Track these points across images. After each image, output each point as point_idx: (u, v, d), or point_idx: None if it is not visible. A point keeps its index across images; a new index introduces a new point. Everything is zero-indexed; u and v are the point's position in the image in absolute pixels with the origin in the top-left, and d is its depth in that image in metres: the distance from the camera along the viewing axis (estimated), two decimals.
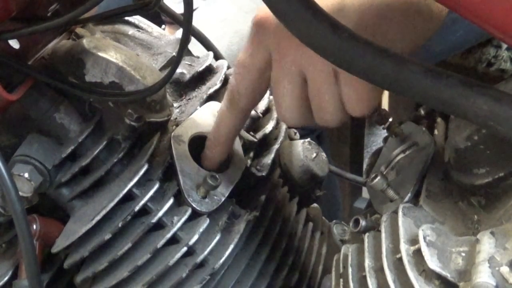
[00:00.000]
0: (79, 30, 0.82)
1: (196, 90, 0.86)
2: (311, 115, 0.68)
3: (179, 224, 0.71)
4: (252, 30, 0.68)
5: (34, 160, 0.71)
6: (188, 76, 0.86)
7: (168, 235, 0.70)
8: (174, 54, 0.87)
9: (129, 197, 0.72)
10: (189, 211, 0.71)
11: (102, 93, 0.73)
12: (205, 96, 0.83)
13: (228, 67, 0.87)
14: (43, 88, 0.73)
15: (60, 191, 0.74)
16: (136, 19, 0.91)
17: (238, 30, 1.28)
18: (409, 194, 0.64)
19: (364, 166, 1.79)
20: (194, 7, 0.73)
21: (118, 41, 0.86)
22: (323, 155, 0.92)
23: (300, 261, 0.83)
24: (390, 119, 0.73)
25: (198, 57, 0.91)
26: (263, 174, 0.80)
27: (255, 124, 0.84)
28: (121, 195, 0.70)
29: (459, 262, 0.54)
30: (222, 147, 0.74)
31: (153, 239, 0.71)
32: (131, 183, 0.71)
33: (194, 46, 0.94)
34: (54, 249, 0.72)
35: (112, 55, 0.74)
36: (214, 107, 0.81)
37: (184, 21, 0.65)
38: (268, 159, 0.82)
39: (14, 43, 0.70)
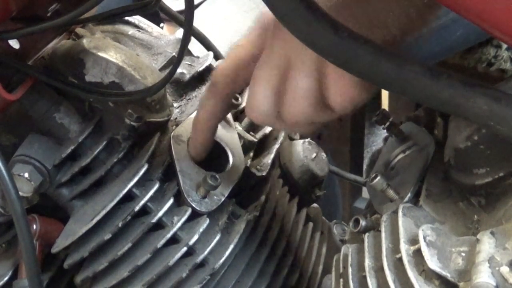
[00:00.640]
0: (79, 30, 0.82)
1: (196, 90, 0.86)
2: (277, 111, 0.65)
3: (179, 224, 0.71)
4: (255, 23, 0.68)
5: (34, 160, 0.72)
6: (188, 76, 0.86)
7: (168, 235, 0.70)
8: (174, 54, 0.87)
9: (129, 197, 0.72)
10: (189, 211, 0.71)
11: (102, 93, 0.73)
12: None
13: None
14: (43, 88, 0.73)
15: (60, 191, 0.75)
16: (136, 19, 0.91)
17: (238, 29, 1.28)
18: (409, 194, 0.64)
19: (364, 166, 1.79)
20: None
21: (118, 41, 0.86)
22: (323, 155, 0.92)
23: (300, 261, 0.83)
24: (390, 119, 0.73)
25: (198, 57, 0.91)
26: (263, 174, 0.80)
27: (255, 124, 0.84)
28: (121, 195, 0.70)
29: (459, 262, 0.54)
30: (202, 134, 0.74)
31: (153, 239, 0.71)
32: (131, 183, 0.71)
33: (194, 46, 0.94)
34: (54, 249, 0.72)
35: (112, 55, 0.74)
36: None
37: (185, 21, 0.65)
38: (268, 159, 0.82)
39: (14, 43, 0.70)
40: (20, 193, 0.66)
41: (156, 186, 0.72)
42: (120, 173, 0.74)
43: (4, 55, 0.68)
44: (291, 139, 0.92)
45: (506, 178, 0.57)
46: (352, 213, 1.78)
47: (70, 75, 0.74)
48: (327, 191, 1.02)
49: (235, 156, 0.77)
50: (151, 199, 0.72)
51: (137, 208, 0.71)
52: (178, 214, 0.72)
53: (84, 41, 0.74)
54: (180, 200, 0.73)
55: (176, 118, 0.81)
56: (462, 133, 0.60)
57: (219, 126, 0.76)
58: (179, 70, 0.85)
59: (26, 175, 0.70)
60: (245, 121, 0.84)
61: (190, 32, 0.68)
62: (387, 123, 0.73)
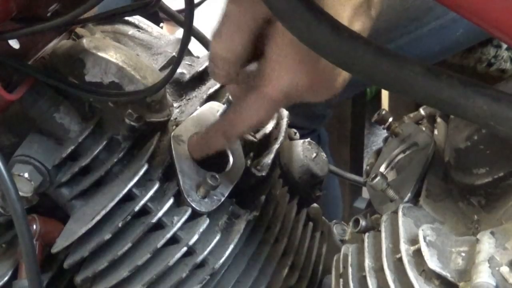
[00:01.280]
0: (79, 30, 0.82)
1: (196, 90, 0.86)
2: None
3: (179, 224, 0.71)
4: None
5: (34, 160, 0.71)
6: (188, 76, 0.86)
7: (168, 235, 0.70)
8: (174, 54, 0.87)
9: (129, 197, 0.72)
10: (189, 211, 0.71)
11: (102, 93, 0.73)
12: (205, 96, 0.83)
13: None
14: (43, 88, 0.73)
15: (60, 191, 0.74)
16: (136, 19, 0.91)
17: None
18: (409, 194, 0.64)
19: (364, 166, 1.79)
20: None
21: (118, 41, 0.86)
22: (323, 155, 0.92)
23: (300, 261, 0.83)
24: (390, 119, 0.73)
25: (198, 57, 0.91)
26: (263, 174, 0.80)
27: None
28: (121, 195, 0.70)
29: (459, 262, 0.54)
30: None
31: (153, 239, 0.71)
32: (131, 183, 0.71)
33: (194, 46, 0.94)
34: (54, 249, 0.72)
35: (112, 55, 0.74)
36: (214, 107, 0.81)
37: (185, 21, 0.65)
38: (268, 159, 0.82)
39: (14, 43, 0.70)
40: (20, 193, 0.66)
41: (156, 186, 0.72)
42: (120, 173, 0.74)
43: (4, 55, 0.68)
44: (291, 139, 0.92)
45: (506, 178, 0.57)
46: (352, 213, 1.78)
47: (70, 75, 0.74)
48: (327, 191, 1.02)
49: (235, 156, 0.77)
50: (151, 199, 0.72)
51: (137, 208, 0.71)
52: (178, 214, 0.72)
53: (84, 41, 0.74)
54: (180, 200, 0.73)
55: (176, 118, 0.81)
56: (462, 133, 0.60)
57: None
58: (179, 70, 0.85)
59: (26, 175, 0.70)
60: None
61: (190, 32, 0.68)
62: (387, 123, 0.73)
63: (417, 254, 0.56)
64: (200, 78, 0.86)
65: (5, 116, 0.74)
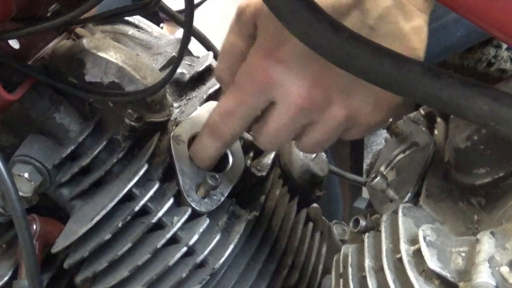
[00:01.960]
0: (79, 30, 0.82)
1: (196, 90, 0.86)
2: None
3: (179, 224, 0.71)
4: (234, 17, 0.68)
5: (34, 160, 0.71)
6: (188, 76, 0.86)
7: (168, 235, 0.70)
8: (174, 54, 0.87)
9: (129, 197, 0.72)
10: (189, 211, 0.71)
11: (102, 93, 0.73)
12: (205, 96, 0.83)
13: None
14: (43, 88, 0.73)
15: (60, 191, 0.74)
16: (136, 19, 0.91)
17: None
18: (409, 194, 0.64)
19: (364, 166, 1.79)
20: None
21: (118, 41, 0.86)
22: (323, 155, 0.92)
23: (300, 261, 0.83)
24: (390, 119, 0.73)
25: (198, 57, 0.91)
26: (263, 174, 0.80)
27: None
28: (121, 195, 0.70)
29: (459, 262, 0.54)
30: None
31: (153, 239, 0.71)
32: (131, 183, 0.71)
33: (194, 46, 0.94)
34: (54, 249, 0.72)
35: (112, 55, 0.74)
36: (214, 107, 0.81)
37: (185, 21, 0.65)
38: (268, 159, 0.82)
39: (14, 43, 0.70)
40: (20, 193, 0.66)
41: (156, 186, 0.72)
42: (120, 173, 0.74)
43: (4, 55, 0.68)
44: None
45: (506, 178, 0.57)
46: (352, 213, 1.78)
47: (70, 75, 0.74)
48: (327, 191, 1.02)
49: (235, 156, 0.77)
50: (151, 199, 0.72)
51: (137, 208, 0.71)
52: (178, 214, 0.72)
53: (84, 41, 0.74)
54: (180, 200, 0.73)
55: (176, 118, 0.81)
56: (462, 133, 0.60)
57: None
58: (179, 70, 0.85)
59: (26, 175, 0.70)
60: None
61: (190, 32, 0.68)
62: (387, 123, 0.73)
63: (417, 254, 0.56)
64: (200, 78, 0.86)
65: (5, 116, 0.74)
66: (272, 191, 0.82)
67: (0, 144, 0.76)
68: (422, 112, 0.75)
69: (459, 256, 0.54)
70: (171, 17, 0.92)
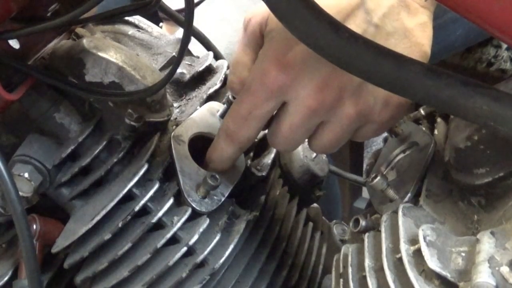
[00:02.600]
0: (79, 30, 0.82)
1: (196, 90, 0.86)
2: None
3: (179, 224, 0.71)
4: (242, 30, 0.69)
5: (34, 160, 0.71)
6: (188, 76, 0.86)
7: (168, 235, 0.70)
8: (174, 54, 0.87)
9: (129, 197, 0.72)
10: (189, 211, 0.71)
11: (102, 93, 0.73)
12: (205, 96, 0.83)
13: (228, 67, 0.87)
14: (43, 88, 0.73)
15: (60, 191, 0.74)
16: (136, 19, 0.91)
17: (237, 29, 1.27)
18: (409, 194, 0.64)
19: (364, 166, 1.79)
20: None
21: (118, 41, 0.86)
22: (323, 155, 0.92)
23: (300, 261, 0.83)
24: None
25: (198, 57, 0.91)
26: (263, 174, 0.80)
27: None
28: (121, 195, 0.70)
29: (459, 262, 0.54)
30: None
31: (153, 239, 0.71)
32: (131, 183, 0.71)
33: (194, 46, 0.94)
34: (54, 249, 0.72)
35: (112, 55, 0.74)
36: (214, 107, 0.81)
37: (185, 21, 0.65)
38: (268, 159, 0.82)
39: (14, 43, 0.70)
40: (20, 193, 0.66)
41: (156, 186, 0.72)
42: (120, 173, 0.74)
43: (4, 55, 0.68)
44: None
45: (506, 178, 0.57)
46: (352, 213, 1.78)
47: (70, 75, 0.74)
48: (327, 191, 1.02)
49: None
50: (151, 199, 0.72)
51: (137, 208, 0.71)
52: (178, 214, 0.72)
53: (84, 41, 0.74)
54: (180, 200, 0.73)
55: (176, 118, 0.81)
56: (462, 133, 0.60)
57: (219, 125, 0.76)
58: (179, 70, 0.85)
59: (26, 175, 0.70)
60: None
61: (190, 32, 0.68)
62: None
63: (417, 254, 0.56)
64: (200, 78, 0.86)
65: (5, 116, 0.74)
66: (272, 191, 0.82)
67: (0, 144, 0.75)
68: (422, 112, 0.75)
69: (459, 256, 0.54)
70: (171, 17, 0.92)
